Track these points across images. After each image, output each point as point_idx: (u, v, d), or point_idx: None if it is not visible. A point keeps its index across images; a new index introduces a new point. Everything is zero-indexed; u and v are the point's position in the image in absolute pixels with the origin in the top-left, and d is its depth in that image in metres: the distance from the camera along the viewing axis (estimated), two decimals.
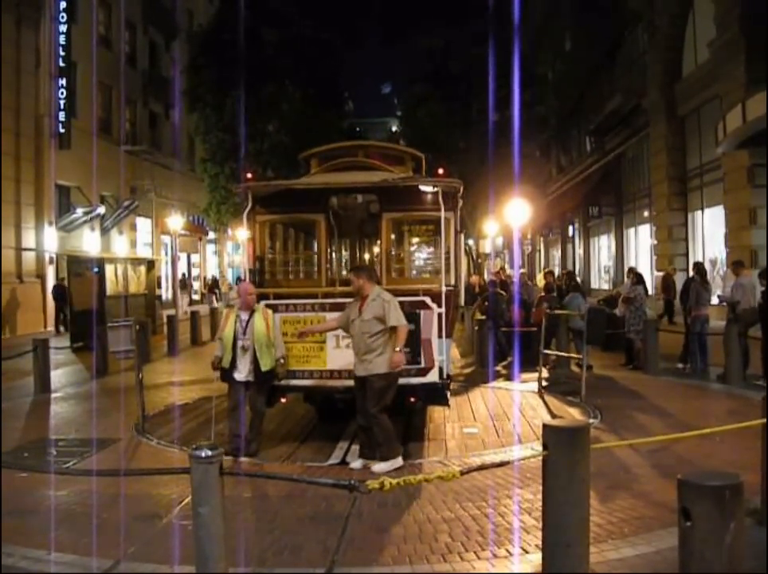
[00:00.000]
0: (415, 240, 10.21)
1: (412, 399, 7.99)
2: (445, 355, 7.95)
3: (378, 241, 9.70)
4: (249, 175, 9.12)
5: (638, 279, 13.32)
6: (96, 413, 9.92)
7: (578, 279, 20.31)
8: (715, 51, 18.41)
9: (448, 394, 8.27)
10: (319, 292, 8.47)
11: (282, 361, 7.69)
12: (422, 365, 7.76)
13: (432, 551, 4.95)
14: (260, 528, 5.44)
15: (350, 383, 7.43)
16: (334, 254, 10.74)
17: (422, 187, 8.49)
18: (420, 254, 10.65)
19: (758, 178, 16.70)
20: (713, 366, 12.05)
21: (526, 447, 7.65)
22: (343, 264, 11.55)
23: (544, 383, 11.14)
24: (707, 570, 3.53)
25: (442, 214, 8.06)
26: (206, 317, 21.93)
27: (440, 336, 7.79)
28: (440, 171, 8.53)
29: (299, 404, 10.31)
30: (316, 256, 9.38)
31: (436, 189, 8.25)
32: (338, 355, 7.87)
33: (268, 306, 7.88)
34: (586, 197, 28.91)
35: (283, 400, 8.43)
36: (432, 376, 7.77)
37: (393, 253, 9.17)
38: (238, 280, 38.71)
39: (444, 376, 7.93)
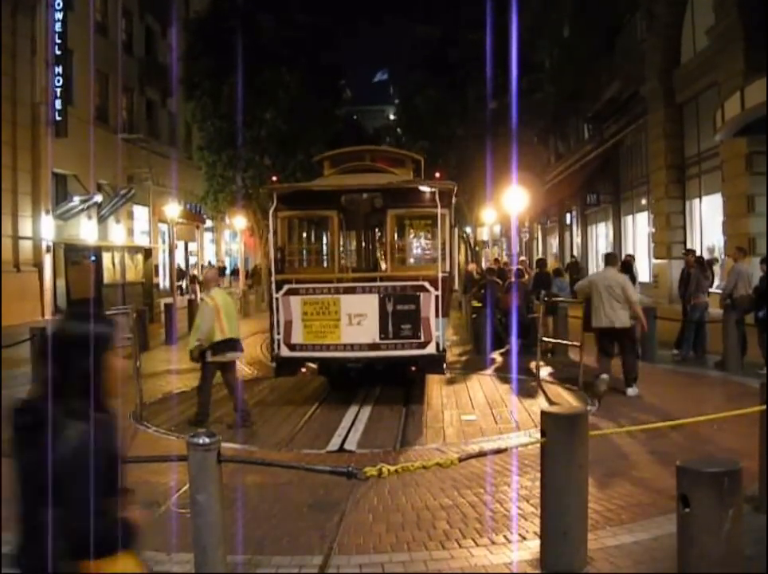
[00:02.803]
0: (415, 233, 11.29)
1: (413, 368, 9.36)
2: (441, 331, 9.08)
3: (383, 234, 10.89)
4: (274, 178, 10.60)
5: (624, 267, 13.27)
6: None
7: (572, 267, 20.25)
8: (713, 38, 18.30)
9: (444, 364, 9.45)
10: (333, 278, 9.60)
11: (197, 343, 8.20)
12: (422, 339, 8.95)
13: (430, 538, 4.96)
14: (258, 515, 5.45)
15: (361, 354, 8.96)
16: (344, 245, 12.01)
17: (422, 188, 9.65)
18: (419, 245, 11.65)
19: (756, 166, 16.63)
20: (710, 353, 12.08)
21: (524, 434, 7.69)
22: (353, 253, 12.75)
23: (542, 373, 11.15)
24: (706, 556, 3.54)
25: (438, 210, 9.29)
26: None
27: (437, 315, 8.96)
28: (437, 174, 10.14)
29: (296, 391, 10.37)
30: (329, 247, 10.53)
31: (433, 190, 9.41)
32: (351, 331, 8.98)
33: (290, 290, 9.03)
34: (584, 184, 28.82)
35: (303, 370, 9.45)
36: (431, 349, 8.98)
37: (396, 243, 10.30)
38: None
39: (441, 349, 9.07)
